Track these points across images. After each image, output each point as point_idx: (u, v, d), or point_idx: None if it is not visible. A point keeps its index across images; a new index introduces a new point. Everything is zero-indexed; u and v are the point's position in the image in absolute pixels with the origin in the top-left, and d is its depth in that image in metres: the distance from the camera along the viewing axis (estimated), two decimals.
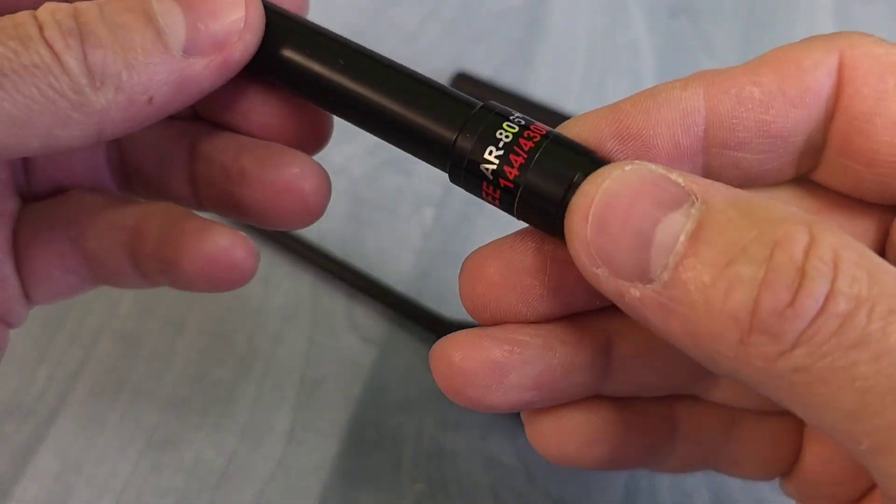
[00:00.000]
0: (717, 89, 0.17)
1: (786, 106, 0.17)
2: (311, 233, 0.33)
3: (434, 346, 0.19)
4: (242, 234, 0.20)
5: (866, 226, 0.19)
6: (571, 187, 0.16)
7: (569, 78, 0.39)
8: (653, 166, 0.15)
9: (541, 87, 0.38)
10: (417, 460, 0.29)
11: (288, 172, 0.20)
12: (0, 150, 0.16)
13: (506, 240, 0.19)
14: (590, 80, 0.39)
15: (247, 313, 0.32)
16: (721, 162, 0.18)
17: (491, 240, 0.19)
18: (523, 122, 0.17)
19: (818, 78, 0.17)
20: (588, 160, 0.17)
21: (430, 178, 0.35)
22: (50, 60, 0.16)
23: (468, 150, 0.17)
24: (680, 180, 0.15)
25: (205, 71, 0.18)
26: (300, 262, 0.33)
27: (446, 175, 0.18)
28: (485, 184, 0.17)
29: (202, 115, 0.21)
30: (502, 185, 0.17)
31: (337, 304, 0.32)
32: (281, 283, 0.32)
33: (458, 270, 0.19)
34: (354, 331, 0.32)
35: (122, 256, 0.21)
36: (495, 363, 0.18)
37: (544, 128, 0.17)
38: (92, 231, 0.21)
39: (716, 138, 0.17)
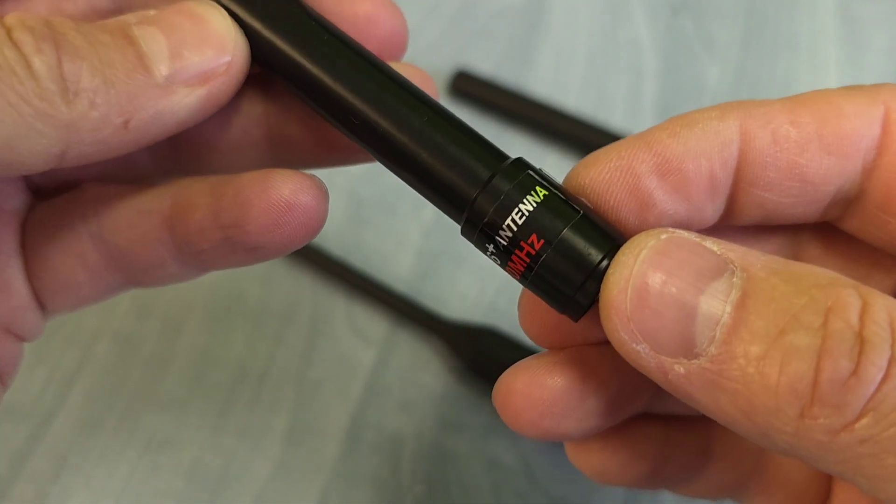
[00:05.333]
0: (753, 123, 0.16)
1: (821, 152, 0.16)
2: None
3: (500, 378, 0.18)
4: (303, 172, 0.18)
5: (888, 281, 0.18)
6: (595, 274, 0.15)
7: (569, 76, 0.39)
8: (687, 234, 0.15)
9: (541, 85, 0.38)
10: (418, 462, 0.29)
11: None
12: None
13: None
14: (591, 78, 0.39)
15: (245, 314, 0.31)
16: (746, 199, 0.17)
17: None
18: (551, 190, 0.16)
19: (858, 127, 0.16)
20: (616, 248, 0.16)
21: None
22: (16, 62, 0.15)
23: (488, 211, 0.16)
24: (715, 248, 0.15)
25: (186, 101, 0.17)
26: (300, 262, 0.33)
27: None
28: (499, 251, 0.16)
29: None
30: (519, 255, 0.16)
31: (336, 305, 0.32)
32: (280, 283, 0.32)
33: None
34: (354, 331, 0.31)
35: (160, 243, 0.19)
36: (573, 389, 0.17)
37: (575, 201, 0.16)
38: (119, 222, 0.19)
39: (746, 175, 0.17)
